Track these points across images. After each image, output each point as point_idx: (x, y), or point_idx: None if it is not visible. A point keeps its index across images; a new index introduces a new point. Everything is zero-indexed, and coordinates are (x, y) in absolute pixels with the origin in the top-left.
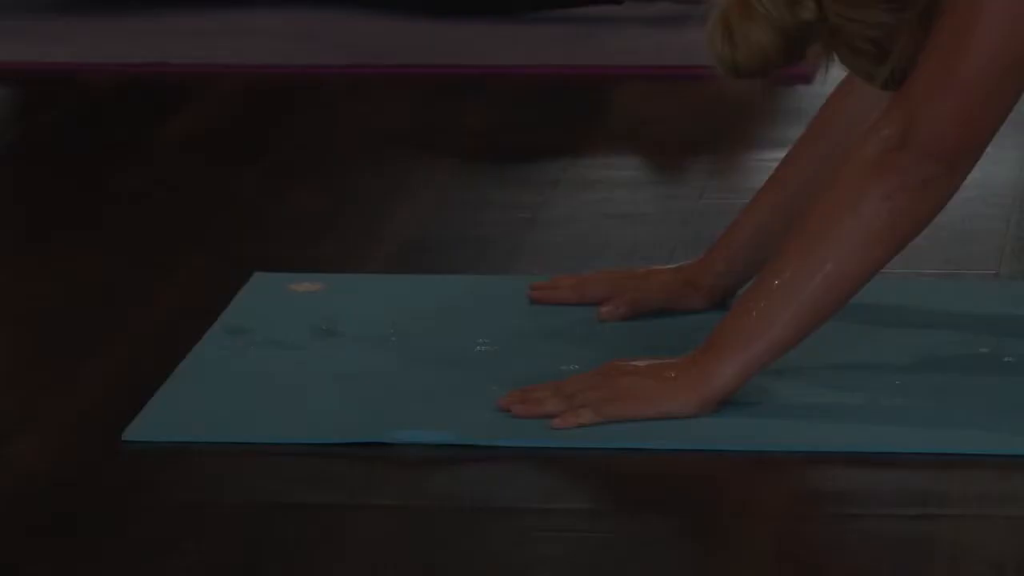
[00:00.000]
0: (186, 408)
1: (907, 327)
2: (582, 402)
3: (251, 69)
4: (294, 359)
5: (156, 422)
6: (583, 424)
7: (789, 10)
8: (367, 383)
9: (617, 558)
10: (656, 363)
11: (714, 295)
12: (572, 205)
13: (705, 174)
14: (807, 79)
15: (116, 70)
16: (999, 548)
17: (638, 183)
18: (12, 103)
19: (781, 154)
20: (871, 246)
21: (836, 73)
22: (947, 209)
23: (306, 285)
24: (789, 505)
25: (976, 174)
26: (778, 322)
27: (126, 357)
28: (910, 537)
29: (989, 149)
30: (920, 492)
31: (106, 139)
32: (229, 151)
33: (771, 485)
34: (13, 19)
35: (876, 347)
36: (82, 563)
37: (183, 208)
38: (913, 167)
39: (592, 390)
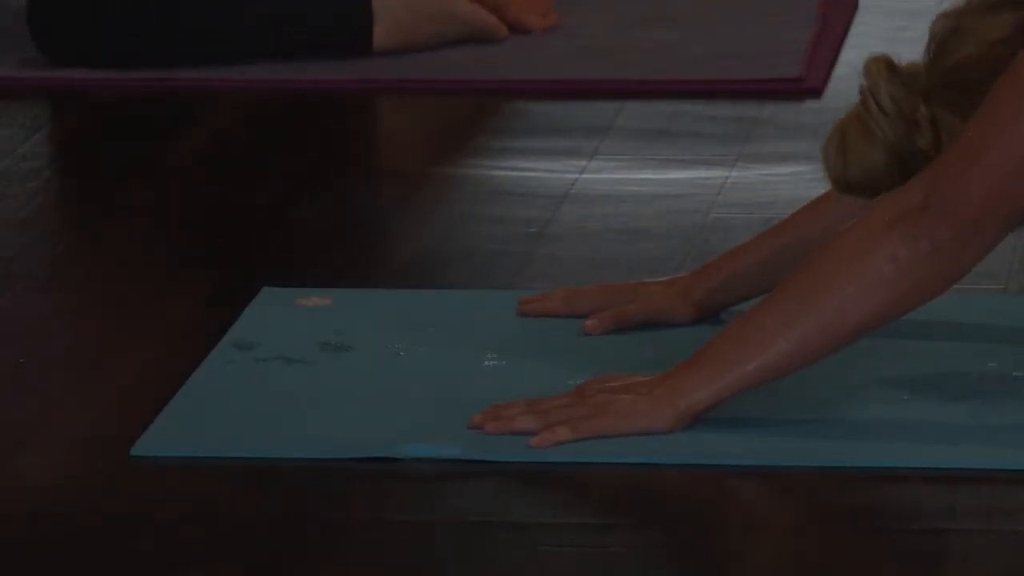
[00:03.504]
0: (195, 423)
1: (915, 341)
2: (558, 419)
3: (259, 84)
4: (303, 374)
5: (165, 437)
6: (561, 442)
7: (907, 137)
8: (376, 398)
9: (627, 574)
10: (632, 380)
11: (704, 309)
12: (580, 220)
13: (713, 190)
14: (817, 94)
15: (124, 85)
16: (1008, 563)
17: (646, 198)
18: (20, 119)
19: (790, 169)
20: (869, 300)
21: (839, 86)
22: None
23: (314, 300)
24: (798, 521)
25: None
26: (762, 354)
27: (134, 372)
28: (918, 552)
29: None
30: (928, 507)
31: (114, 154)
32: (237, 166)
33: (780, 501)
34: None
35: (883, 361)
36: None
37: (191, 223)
38: (928, 229)
39: (568, 407)
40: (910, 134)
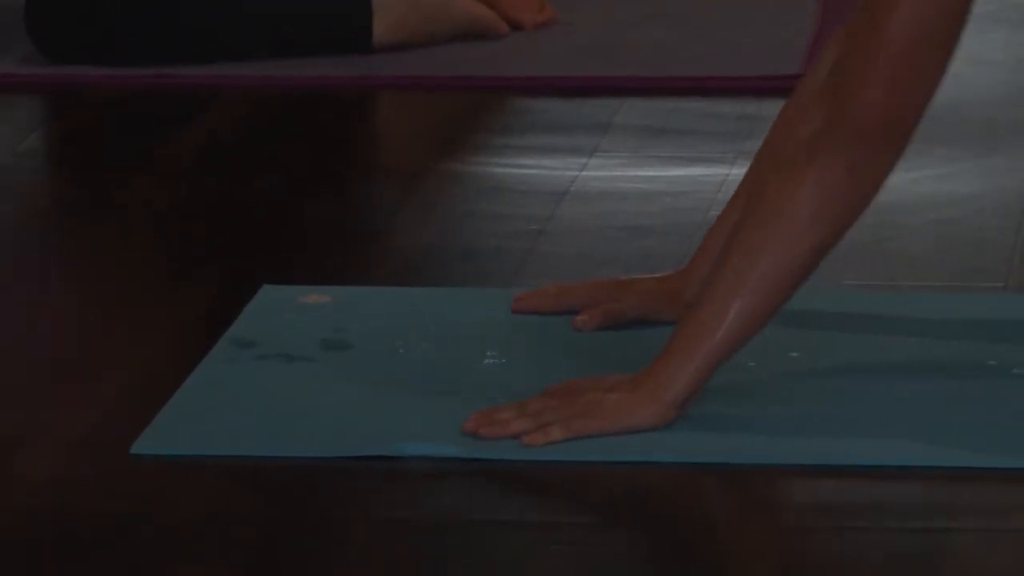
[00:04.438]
0: (194, 422)
1: (915, 339)
2: (550, 419)
3: (259, 81)
4: (303, 372)
5: (164, 436)
6: (553, 441)
7: None
8: (376, 396)
9: (627, 574)
10: (616, 378)
11: None
12: (580, 217)
13: (713, 187)
14: None
15: (123, 83)
16: (1007, 562)
17: (646, 195)
18: (20, 116)
19: None
20: (806, 233)
21: None
22: (954, 220)
23: (315, 297)
24: (796, 519)
25: (984, 185)
26: (726, 318)
27: (134, 371)
28: (917, 551)
29: (996, 160)
30: (927, 505)
31: (114, 152)
32: (237, 163)
33: (780, 500)
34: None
35: (883, 359)
36: None
37: (191, 221)
38: (841, 150)
39: (559, 408)
40: None
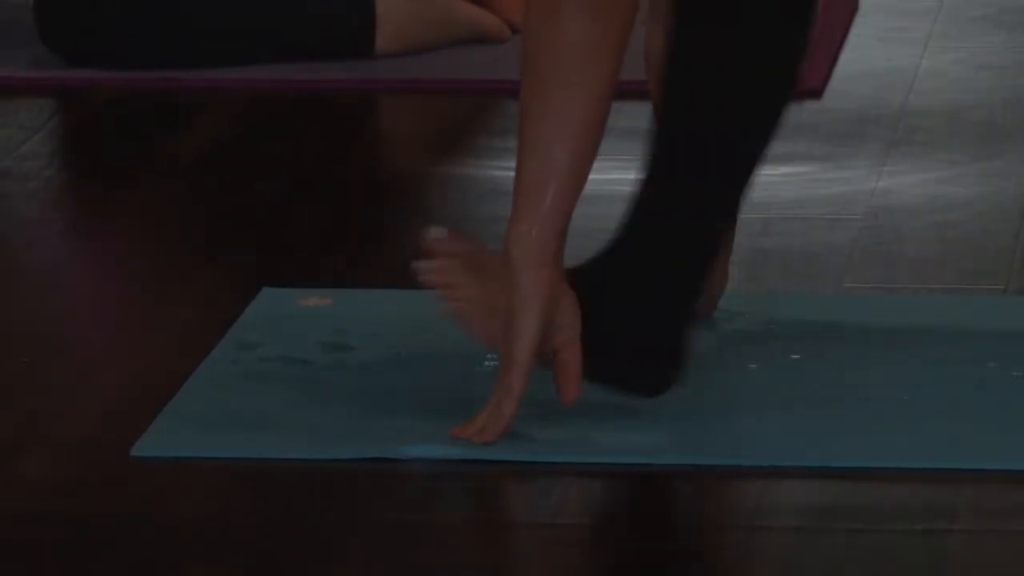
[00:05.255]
0: (195, 423)
1: (915, 342)
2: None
3: (259, 84)
4: (303, 374)
5: (165, 437)
6: (508, 408)
7: None
8: (376, 398)
9: (627, 573)
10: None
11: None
12: (580, 220)
13: None
14: (817, 94)
15: (124, 85)
16: (1008, 564)
17: None
18: (22, 118)
19: (790, 169)
20: (586, 55)
21: (839, 86)
22: (955, 223)
23: (315, 300)
24: (797, 521)
25: (985, 188)
26: (546, 162)
27: (135, 372)
28: (918, 553)
29: (997, 163)
30: (928, 507)
31: (114, 154)
32: (237, 166)
33: (780, 500)
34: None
35: (884, 362)
36: None
37: (192, 222)
38: None
39: (499, 382)
40: None
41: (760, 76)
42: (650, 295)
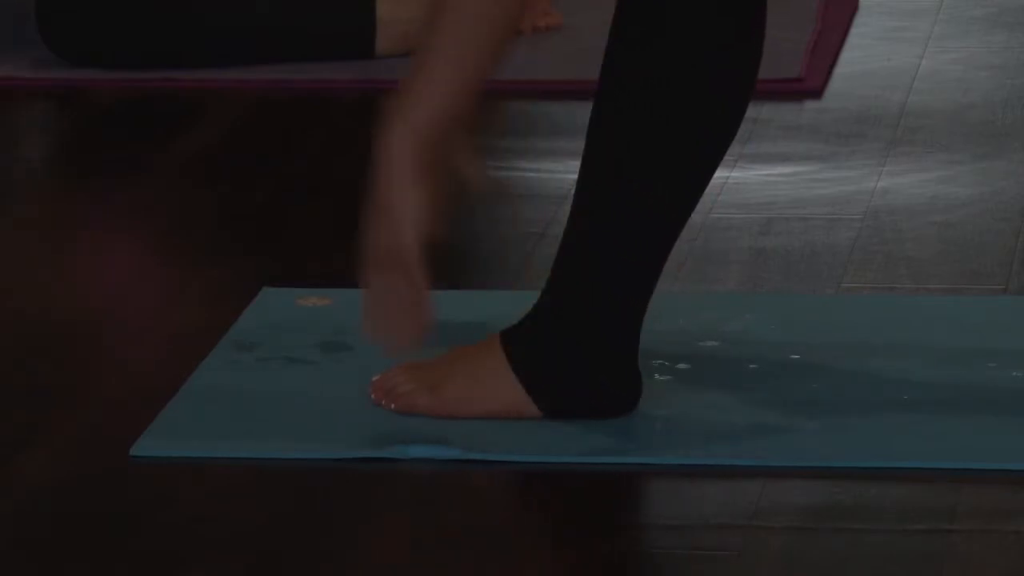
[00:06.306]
0: (194, 423)
1: (915, 342)
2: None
3: (259, 84)
4: (302, 374)
5: (164, 437)
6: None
7: None
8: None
9: (627, 573)
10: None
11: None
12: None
13: (714, 190)
14: (817, 94)
15: (124, 85)
16: (1008, 563)
17: None
18: (22, 119)
19: (790, 169)
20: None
21: (839, 86)
22: (955, 223)
23: (314, 300)
24: (798, 521)
25: (985, 188)
26: (433, 71)
27: (135, 371)
28: (919, 552)
29: (997, 163)
30: (929, 507)
31: (114, 154)
32: (237, 166)
33: (780, 500)
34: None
35: (883, 362)
36: None
37: (192, 223)
38: None
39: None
40: None
41: (693, 125)
42: (586, 330)
